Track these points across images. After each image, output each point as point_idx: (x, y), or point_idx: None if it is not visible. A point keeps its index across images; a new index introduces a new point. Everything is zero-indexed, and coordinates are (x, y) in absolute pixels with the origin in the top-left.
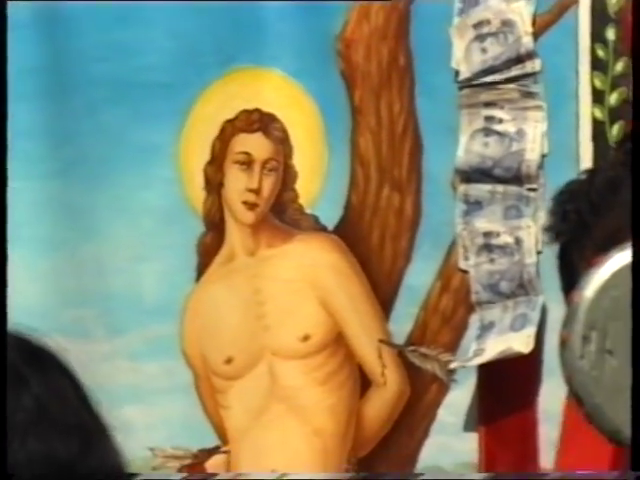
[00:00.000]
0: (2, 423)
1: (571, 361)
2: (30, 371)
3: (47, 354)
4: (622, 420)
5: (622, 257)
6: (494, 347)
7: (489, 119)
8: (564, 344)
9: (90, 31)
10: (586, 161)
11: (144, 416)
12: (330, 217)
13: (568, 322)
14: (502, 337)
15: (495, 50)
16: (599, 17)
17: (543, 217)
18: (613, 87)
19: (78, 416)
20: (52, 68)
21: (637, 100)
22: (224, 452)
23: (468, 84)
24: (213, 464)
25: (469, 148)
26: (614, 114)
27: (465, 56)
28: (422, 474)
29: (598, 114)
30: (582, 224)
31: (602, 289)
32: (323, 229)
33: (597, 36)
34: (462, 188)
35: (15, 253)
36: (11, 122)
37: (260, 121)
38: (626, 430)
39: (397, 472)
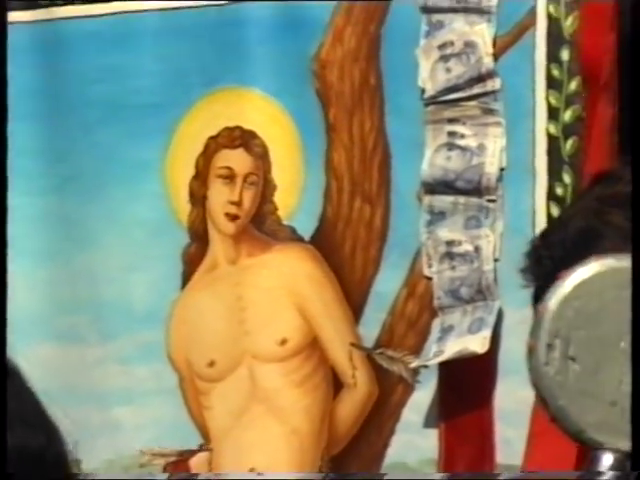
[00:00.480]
0: (2, 423)
1: (537, 367)
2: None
3: (12, 364)
4: (585, 421)
5: (583, 271)
6: (452, 348)
7: (452, 134)
8: (531, 351)
9: (85, 55)
10: (541, 174)
11: (134, 416)
12: (306, 228)
13: (534, 331)
14: (460, 339)
15: (458, 70)
16: (554, 39)
17: (501, 227)
18: (567, 105)
19: (40, 414)
20: (50, 90)
21: (637, 108)
22: (207, 450)
23: (433, 101)
24: (196, 462)
25: (433, 162)
26: (568, 130)
27: (430, 75)
28: (385, 474)
29: (553, 130)
30: (555, 270)
31: (565, 300)
32: (300, 239)
33: (552, 57)
34: (427, 199)
35: (14, 263)
36: (11, 141)
37: (241, 138)
38: (589, 430)
39: (364, 472)
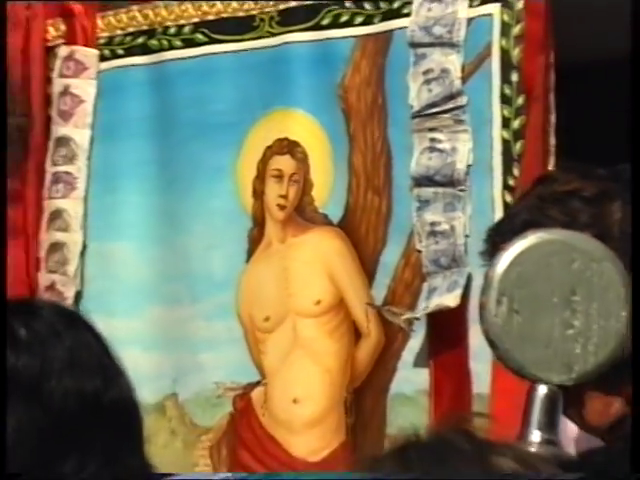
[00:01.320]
0: (2, 423)
1: (488, 318)
2: (63, 328)
3: (76, 316)
4: (524, 360)
5: (523, 242)
6: (434, 304)
7: (432, 140)
8: (482, 307)
9: (181, 88)
10: (497, 169)
11: (213, 360)
12: (335, 215)
13: (485, 291)
14: (441, 297)
15: (437, 90)
16: (506, 66)
17: (469, 210)
18: (516, 115)
19: (100, 361)
20: (157, 114)
21: (636, 105)
22: (263, 385)
23: (418, 115)
24: (256, 393)
25: (419, 162)
26: (517, 135)
27: (417, 95)
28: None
29: (506, 135)
30: None
31: (509, 265)
32: (331, 224)
33: (505, 79)
34: (415, 191)
35: (129, 245)
36: (128, 154)
37: (288, 146)
38: (528, 367)
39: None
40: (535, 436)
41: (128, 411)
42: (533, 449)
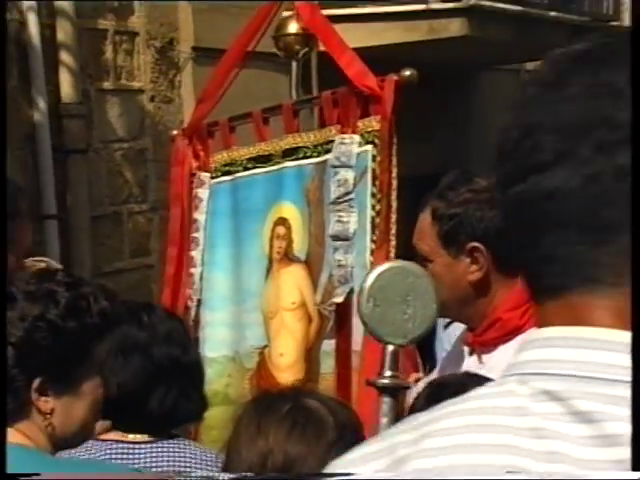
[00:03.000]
0: (2, 423)
1: (361, 309)
2: (165, 318)
3: (172, 313)
4: (382, 333)
5: (381, 267)
6: (335, 301)
7: (339, 216)
8: (359, 303)
9: (241, 191)
10: (368, 233)
11: (251, 333)
12: (302, 257)
13: (360, 294)
14: (338, 298)
15: (341, 190)
16: (373, 177)
17: (355, 253)
18: (378, 203)
19: (181, 338)
20: (231, 206)
21: (636, 101)
22: (268, 347)
23: (332, 203)
24: (266, 351)
25: (333, 227)
26: (378, 215)
27: (333, 192)
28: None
29: (372, 214)
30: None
31: (374, 280)
32: (300, 261)
33: (373, 184)
34: (332, 243)
35: (219, 274)
36: (219, 224)
37: (282, 222)
38: (385, 337)
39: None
40: (387, 373)
41: (195, 368)
42: (387, 381)
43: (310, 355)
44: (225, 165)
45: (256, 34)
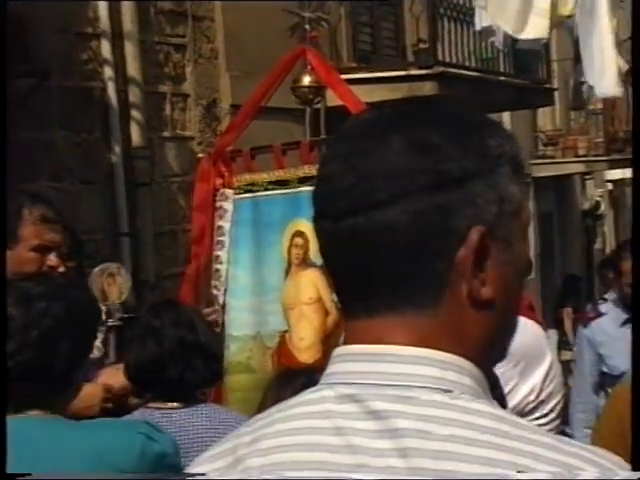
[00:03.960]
0: (2, 423)
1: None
2: (164, 309)
3: (175, 304)
4: None
5: None
6: None
7: None
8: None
9: (262, 207)
10: None
11: (273, 319)
12: (318, 261)
13: None
14: None
15: None
16: None
17: None
18: None
19: (191, 322)
20: (252, 218)
21: (636, 108)
22: (288, 332)
23: None
24: (287, 335)
25: None
26: None
27: None
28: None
29: None
30: None
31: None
32: (316, 266)
33: None
34: None
35: (241, 271)
36: (242, 232)
37: (300, 234)
38: None
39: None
40: None
41: (208, 347)
42: None
43: (329, 340)
44: (247, 185)
45: (275, 83)
